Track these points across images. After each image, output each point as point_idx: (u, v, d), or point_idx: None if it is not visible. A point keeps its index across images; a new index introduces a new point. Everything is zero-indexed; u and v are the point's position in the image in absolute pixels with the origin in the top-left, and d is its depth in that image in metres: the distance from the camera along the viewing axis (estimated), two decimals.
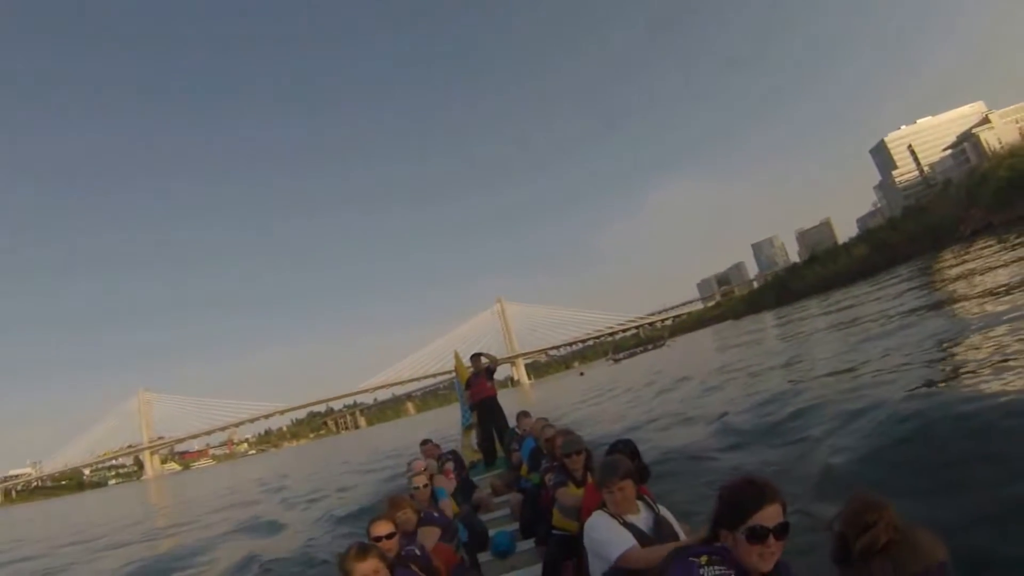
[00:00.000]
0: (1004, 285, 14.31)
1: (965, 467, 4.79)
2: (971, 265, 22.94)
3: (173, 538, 14.43)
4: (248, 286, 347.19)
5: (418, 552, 3.85)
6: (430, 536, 4.46)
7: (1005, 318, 9.81)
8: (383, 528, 3.73)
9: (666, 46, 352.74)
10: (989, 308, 11.75)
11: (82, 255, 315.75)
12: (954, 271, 24.03)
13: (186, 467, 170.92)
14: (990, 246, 29.36)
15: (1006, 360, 7.30)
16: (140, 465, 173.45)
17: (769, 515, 1.88)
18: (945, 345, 9.75)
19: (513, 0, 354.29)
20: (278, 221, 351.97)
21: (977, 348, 8.76)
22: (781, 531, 1.89)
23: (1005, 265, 18.98)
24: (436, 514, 4.83)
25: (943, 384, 7.51)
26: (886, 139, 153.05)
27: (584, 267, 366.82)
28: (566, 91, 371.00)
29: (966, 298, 14.98)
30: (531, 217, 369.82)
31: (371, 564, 2.93)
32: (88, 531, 22.44)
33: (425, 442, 8.36)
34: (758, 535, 1.86)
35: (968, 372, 7.56)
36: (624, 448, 4.19)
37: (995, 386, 6.41)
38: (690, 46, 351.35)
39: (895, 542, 1.47)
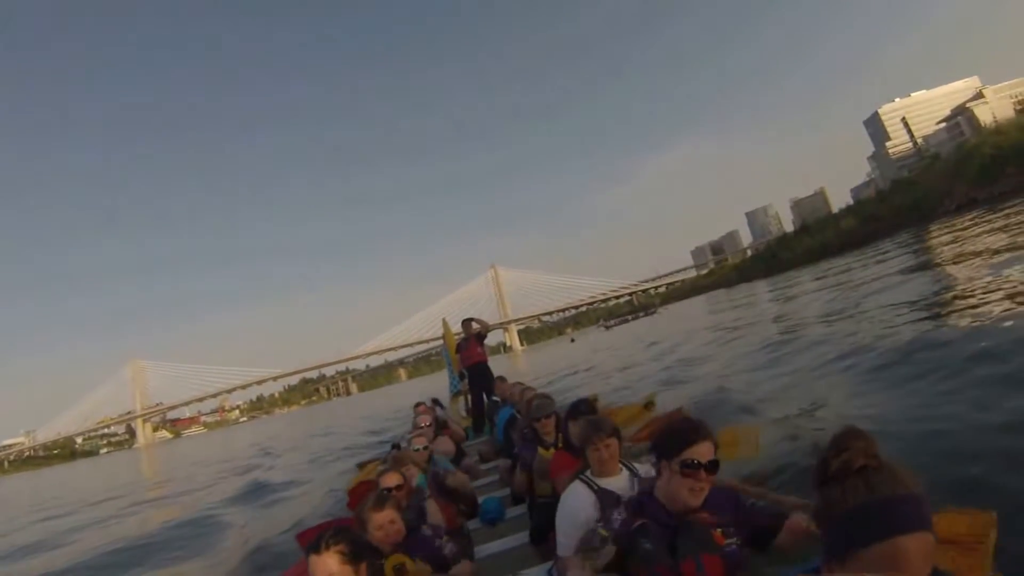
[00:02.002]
0: (981, 252, 15.52)
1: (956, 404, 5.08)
2: (953, 237, 24.09)
3: (174, 506, 14.64)
4: (239, 250, 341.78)
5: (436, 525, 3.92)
6: (462, 482, 4.75)
7: (979, 280, 10.85)
8: (392, 480, 3.87)
9: (660, 10, 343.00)
10: (967, 272, 12.75)
11: (68, 219, 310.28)
12: (937, 243, 24.94)
13: (177, 435, 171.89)
14: (971, 220, 30.29)
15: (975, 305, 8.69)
16: (132, 433, 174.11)
17: (702, 451, 2.06)
18: (922, 301, 10.87)
19: None
20: (265, 182, 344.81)
21: (950, 301, 10.03)
22: (711, 467, 2.06)
23: (985, 235, 20.25)
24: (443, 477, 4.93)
25: (921, 326, 8.59)
26: (880, 111, 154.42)
27: (581, 231, 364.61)
28: (565, 47, 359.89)
29: (947, 264, 16.26)
30: (528, 177, 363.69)
31: (388, 514, 3.08)
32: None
33: (418, 405, 8.36)
34: (691, 467, 2.04)
35: (941, 317, 9.03)
36: (585, 408, 4.15)
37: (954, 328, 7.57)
38: (683, 13, 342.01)
39: (871, 467, 1.48)
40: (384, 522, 3.06)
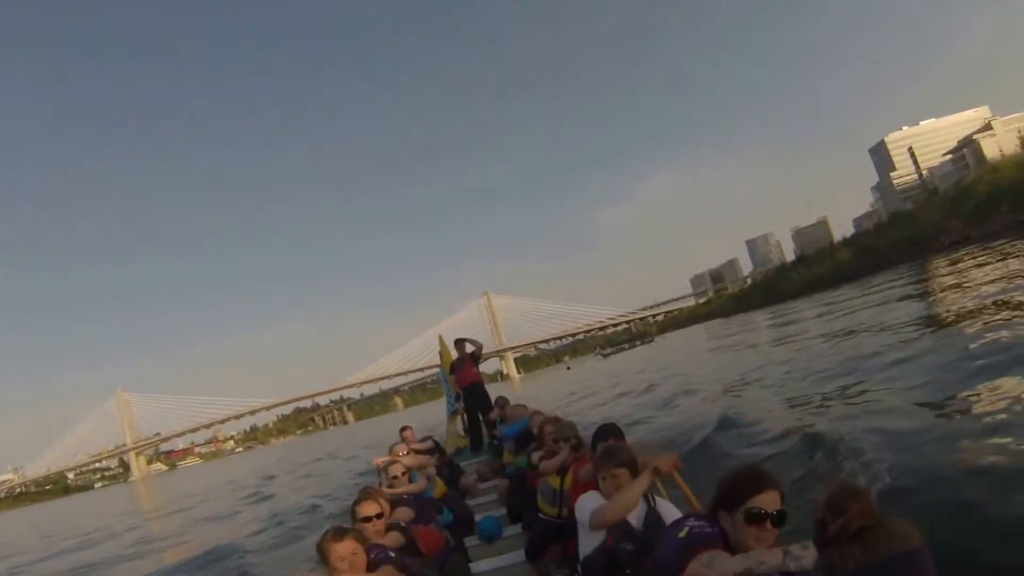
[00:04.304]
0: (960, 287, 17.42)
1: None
2: (941, 275, 25.65)
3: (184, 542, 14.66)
4: (229, 271, 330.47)
5: (403, 524, 3.88)
6: (403, 517, 4.36)
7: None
8: (370, 508, 3.67)
9: (660, 24, 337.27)
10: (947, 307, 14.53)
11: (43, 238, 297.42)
12: (925, 280, 26.18)
13: (172, 467, 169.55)
14: (949, 262, 31.70)
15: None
16: (125, 467, 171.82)
17: (768, 500, 2.00)
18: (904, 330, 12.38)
19: None
20: (259, 203, 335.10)
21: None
22: (778, 518, 2.00)
23: (968, 269, 22.21)
24: (404, 497, 4.81)
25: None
26: (886, 139, 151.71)
27: (577, 257, 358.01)
28: (553, 61, 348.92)
29: (927, 303, 17.79)
30: (524, 199, 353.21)
31: (348, 546, 2.89)
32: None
33: (404, 429, 8.23)
34: (756, 517, 1.98)
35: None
36: (611, 432, 4.11)
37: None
38: (685, 27, 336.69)
39: (868, 527, 1.52)
40: (346, 554, 2.87)
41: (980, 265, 22.65)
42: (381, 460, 6.40)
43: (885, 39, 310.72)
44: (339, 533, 2.94)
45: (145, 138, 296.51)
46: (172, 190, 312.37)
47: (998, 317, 10.28)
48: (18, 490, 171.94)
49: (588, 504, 3.11)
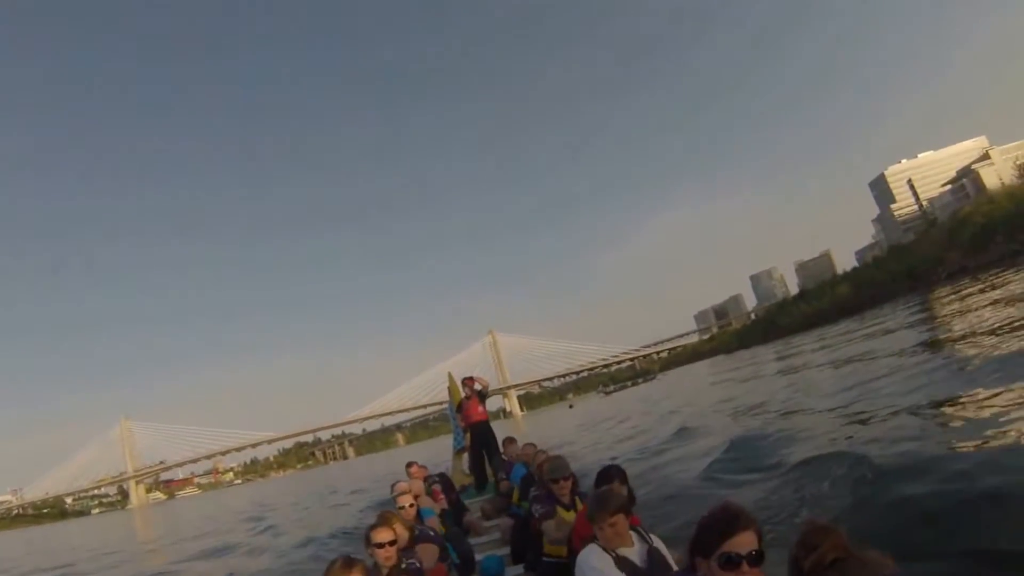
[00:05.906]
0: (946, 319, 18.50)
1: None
2: (936, 308, 26.23)
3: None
4: (236, 303, 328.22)
5: (418, 564, 3.85)
6: (429, 554, 4.32)
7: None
8: (385, 535, 3.64)
9: (663, 61, 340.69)
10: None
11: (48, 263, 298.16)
12: (920, 314, 26.45)
13: (171, 496, 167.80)
14: (958, 289, 31.98)
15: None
16: (124, 494, 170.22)
17: (742, 542, 1.87)
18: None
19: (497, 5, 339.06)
20: (252, 233, 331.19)
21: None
22: (755, 559, 1.87)
23: (957, 301, 23.26)
24: (431, 532, 4.76)
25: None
26: (886, 172, 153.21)
27: (581, 294, 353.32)
28: (557, 101, 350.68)
29: (924, 329, 18.55)
30: (525, 239, 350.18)
31: None
32: None
33: (410, 464, 8.26)
34: (731, 562, 1.86)
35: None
36: (615, 474, 4.18)
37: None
38: (689, 61, 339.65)
39: (842, 560, 1.56)
40: None
41: (967, 296, 23.72)
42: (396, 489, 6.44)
43: (884, 70, 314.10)
44: (347, 565, 2.87)
45: (150, 171, 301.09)
46: (177, 222, 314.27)
47: (979, 347, 11.18)
48: (15, 511, 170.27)
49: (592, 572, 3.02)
